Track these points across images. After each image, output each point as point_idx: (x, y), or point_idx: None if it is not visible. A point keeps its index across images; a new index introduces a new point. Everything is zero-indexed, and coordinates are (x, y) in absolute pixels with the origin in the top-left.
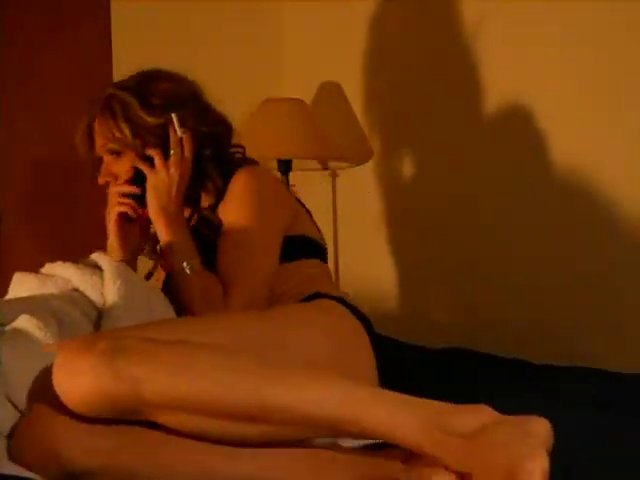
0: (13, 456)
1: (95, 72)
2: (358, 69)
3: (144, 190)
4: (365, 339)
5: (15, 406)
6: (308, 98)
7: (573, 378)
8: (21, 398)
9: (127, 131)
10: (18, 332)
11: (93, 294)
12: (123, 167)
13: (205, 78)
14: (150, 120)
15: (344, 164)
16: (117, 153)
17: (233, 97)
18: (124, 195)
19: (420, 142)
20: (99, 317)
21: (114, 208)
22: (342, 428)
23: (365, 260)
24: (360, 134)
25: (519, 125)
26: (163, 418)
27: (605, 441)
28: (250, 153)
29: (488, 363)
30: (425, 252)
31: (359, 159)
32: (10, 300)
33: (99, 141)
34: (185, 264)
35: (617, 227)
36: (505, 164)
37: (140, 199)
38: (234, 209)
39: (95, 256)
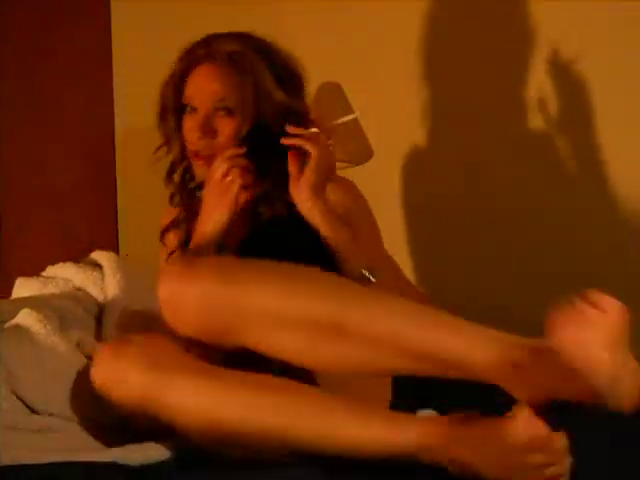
0: None
1: (95, 72)
2: (358, 69)
3: (257, 162)
4: None
5: (20, 399)
6: (308, 98)
7: None
8: (25, 391)
9: (251, 95)
10: (19, 326)
11: (94, 290)
12: (227, 127)
13: None
14: (278, 96)
15: (344, 164)
16: (228, 111)
17: None
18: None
19: (422, 141)
20: (101, 312)
21: (237, 180)
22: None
23: None
24: (360, 134)
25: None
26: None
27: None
28: None
29: None
30: (425, 253)
31: (359, 159)
32: (12, 300)
33: (211, 92)
34: (365, 271)
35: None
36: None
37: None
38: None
39: (95, 254)
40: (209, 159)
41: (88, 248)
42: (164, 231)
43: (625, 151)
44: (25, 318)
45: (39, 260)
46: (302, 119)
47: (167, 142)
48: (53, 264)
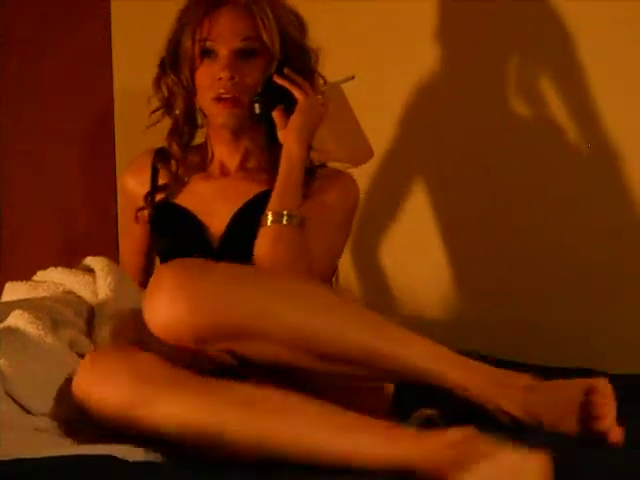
0: None
1: (95, 72)
2: (359, 68)
3: (266, 107)
4: None
5: (15, 400)
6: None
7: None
8: (20, 392)
9: (276, 36)
10: (11, 328)
11: (86, 293)
12: (253, 68)
13: None
14: (297, 36)
15: (344, 164)
16: (251, 53)
17: None
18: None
19: (426, 141)
20: (92, 315)
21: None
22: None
23: (364, 260)
24: (360, 134)
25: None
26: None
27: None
28: None
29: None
30: (427, 252)
31: (358, 159)
32: (1, 302)
33: (235, 33)
34: (286, 212)
35: None
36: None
37: (258, 117)
38: (330, 210)
39: (87, 260)
40: (236, 102)
41: (88, 248)
42: (151, 193)
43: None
44: (17, 319)
45: (39, 260)
46: (312, 63)
47: (170, 99)
48: (54, 264)
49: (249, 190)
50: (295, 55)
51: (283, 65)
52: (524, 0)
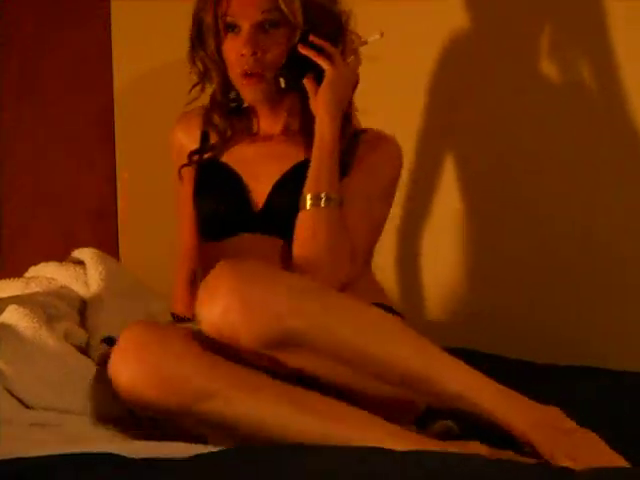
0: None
1: (95, 72)
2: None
3: (292, 80)
4: None
5: (13, 395)
6: None
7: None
8: (17, 387)
9: (297, 4)
10: (6, 323)
11: (77, 285)
12: (271, 40)
13: None
14: (325, 1)
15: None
16: (273, 24)
17: None
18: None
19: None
20: (85, 306)
21: None
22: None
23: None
24: None
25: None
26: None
27: None
28: None
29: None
30: (433, 250)
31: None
32: None
33: (257, 4)
34: (324, 195)
35: None
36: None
37: (285, 90)
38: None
39: (76, 252)
40: (261, 77)
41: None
42: (198, 151)
43: None
44: (12, 314)
45: (39, 260)
46: (342, 25)
47: (205, 74)
48: None
49: (292, 154)
50: (321, 20)
51: (308, 33)
52: None
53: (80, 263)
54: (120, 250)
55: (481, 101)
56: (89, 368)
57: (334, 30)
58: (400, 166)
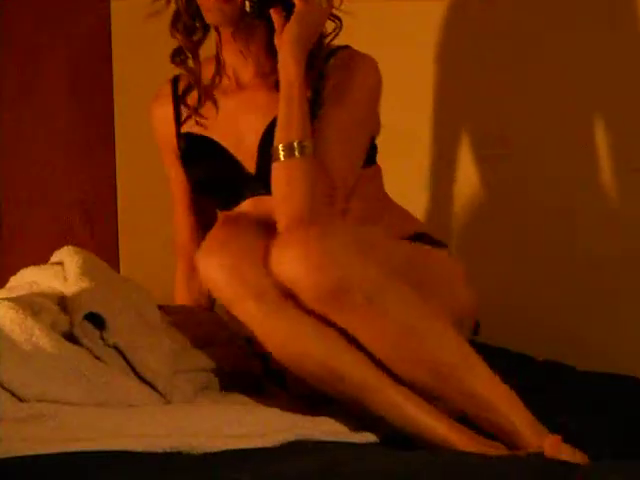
0: None
1: (95, 72)
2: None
3: (259, 5)
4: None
5: (4, 389)
6: None
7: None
8: (7, 379)
9: None
10: None
11: (57, 283)
12: None
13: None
14: None
15: None
16: None
17: None
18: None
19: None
20: (65, 301)
21: None
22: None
23: None
24: None
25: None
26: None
27: None
28: None
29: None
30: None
31: None
32: None
33: None
34: (296, 143)
35: None
36: None
37: (251, 16)
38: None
39: (55, 254)
40: None
41: (88, 248)
42: (184, 92)
43: None
44: None
45: (39, 260)
46: None
47: None
48: None
49: (271, 103)
50: None
51: None
52: None
53: (59, 264)
54: (120, 250)
55: (481, 101)
56: (79, 356)
57: None
58: (377, 83)
